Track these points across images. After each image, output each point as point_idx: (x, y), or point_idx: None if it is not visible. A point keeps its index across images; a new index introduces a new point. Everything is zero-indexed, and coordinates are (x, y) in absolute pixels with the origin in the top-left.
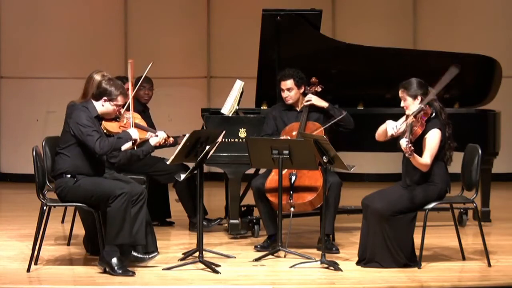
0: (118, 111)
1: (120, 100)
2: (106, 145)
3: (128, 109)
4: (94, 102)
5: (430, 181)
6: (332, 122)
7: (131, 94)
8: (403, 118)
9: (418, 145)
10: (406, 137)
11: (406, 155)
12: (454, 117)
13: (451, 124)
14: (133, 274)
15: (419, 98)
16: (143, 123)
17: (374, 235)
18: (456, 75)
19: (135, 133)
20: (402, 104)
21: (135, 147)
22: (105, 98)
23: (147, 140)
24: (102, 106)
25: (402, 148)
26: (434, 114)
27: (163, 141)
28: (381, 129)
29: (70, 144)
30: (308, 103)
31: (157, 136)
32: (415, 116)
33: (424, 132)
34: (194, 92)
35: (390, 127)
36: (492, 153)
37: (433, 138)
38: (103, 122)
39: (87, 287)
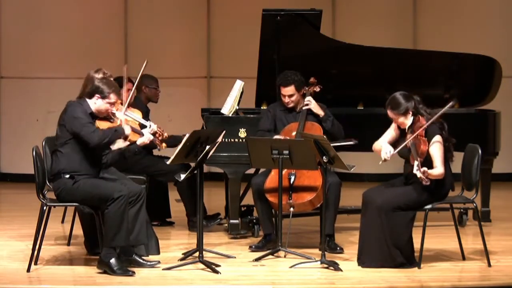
0: (110, 111)
1: (112, 98)
2: (101, 136)
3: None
4: (88, 100)
5: (438, 182)
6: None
7: (127, 96)
8: (390, 130)
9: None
10: (416, 164)
11: (423, 183)
12: (454, 117)
13: (443, 122)
14: (133, 274)
15: (410, 111)
16: (136, 125)
17: (372, 230)
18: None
19: (128, 129)
20: (394, 123)
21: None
22: (98, 95)
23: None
24: (94, 104)
25: (419, 178)
26: (427, 122)
27: (148, 141)
28: (377, 148)
29: (65, 142)
30: (306, 107)
31: (142, 135)
32: (413, 136)
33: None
34: (194, 92)
35: (384, 152)
36: (492, 153)
37: (437, 146)
38: (96, 121)
39: (87, 287)
